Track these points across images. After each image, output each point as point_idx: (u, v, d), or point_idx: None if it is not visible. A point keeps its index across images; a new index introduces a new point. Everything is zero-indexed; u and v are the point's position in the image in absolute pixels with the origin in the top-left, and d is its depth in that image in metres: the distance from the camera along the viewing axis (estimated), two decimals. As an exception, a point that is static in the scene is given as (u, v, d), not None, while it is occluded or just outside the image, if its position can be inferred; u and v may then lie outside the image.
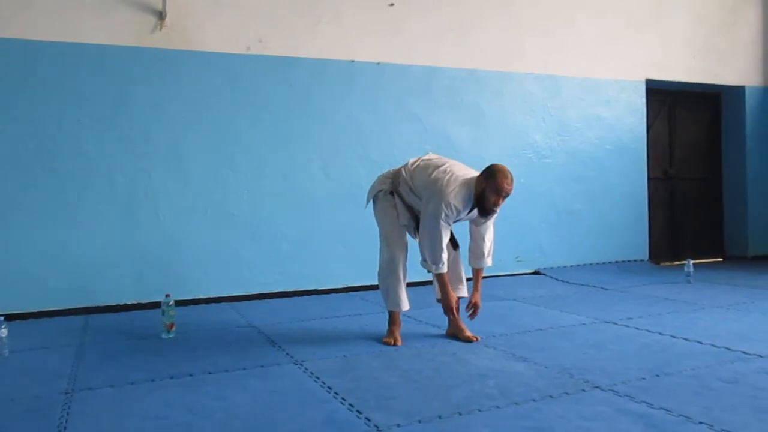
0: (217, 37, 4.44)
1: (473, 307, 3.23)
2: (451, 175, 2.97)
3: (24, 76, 3.99)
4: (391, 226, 3.17)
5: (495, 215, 3.13)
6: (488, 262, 3.25)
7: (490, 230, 3.22)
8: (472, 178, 2.98)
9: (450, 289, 3.12)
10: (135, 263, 4.23)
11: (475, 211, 3.03)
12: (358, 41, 4.84)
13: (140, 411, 2.21)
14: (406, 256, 3.17)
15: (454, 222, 3.04)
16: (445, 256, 3.01)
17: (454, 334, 3.22)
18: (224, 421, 2.09)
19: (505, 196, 2.92)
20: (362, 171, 4.77)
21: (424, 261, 3.05)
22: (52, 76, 4.04)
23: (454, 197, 2.92)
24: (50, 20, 4.04)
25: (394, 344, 3.09)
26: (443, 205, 2.90)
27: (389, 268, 3.15)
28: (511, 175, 2.91)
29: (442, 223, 2.93)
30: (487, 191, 2.91)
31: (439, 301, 3.26)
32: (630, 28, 5.89)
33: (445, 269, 3.04)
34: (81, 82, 4.11)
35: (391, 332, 3.18)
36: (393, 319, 3.21)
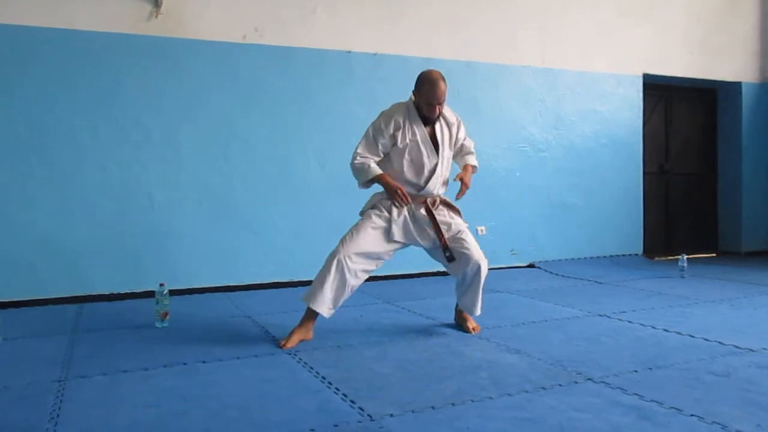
0: (212, 26, 4.41)
1: (461, 184, 3.12)
2: None
3: (15, 62, 3.95)
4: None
5: (469, 142, 3.23)
6: (475, 160, 3.25)
7: (471, 148, 3.27)
8: (409, 99, 3.06)
9: (390, 179, 2.99)
10: (129, 252, 4.21)
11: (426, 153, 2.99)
12: (354, 32, 4.81)
13: (133, 399, 2.20)
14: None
15: (406, 149, 2.98)
16: (370, 162, 3.00)
17: (459, 323, 3.24)
18: (218, 410, 2.09)
19: (439, 104, 2.95)
20: (358, 162, 4.76)
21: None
22: (45, 63, 4.01)
23: (388, 111, 3.05)
24: (43, 6, 3.99)
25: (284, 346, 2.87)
26: (378, 119, 3.05)
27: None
28: (442, 81, 2.93)
29: (369, 133, 3.03)
30: (421, 103, 2.98)
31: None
32: (627, 23, 5.89)
33: (378, 170, 2.99)
34: (74, 70, 4.08)
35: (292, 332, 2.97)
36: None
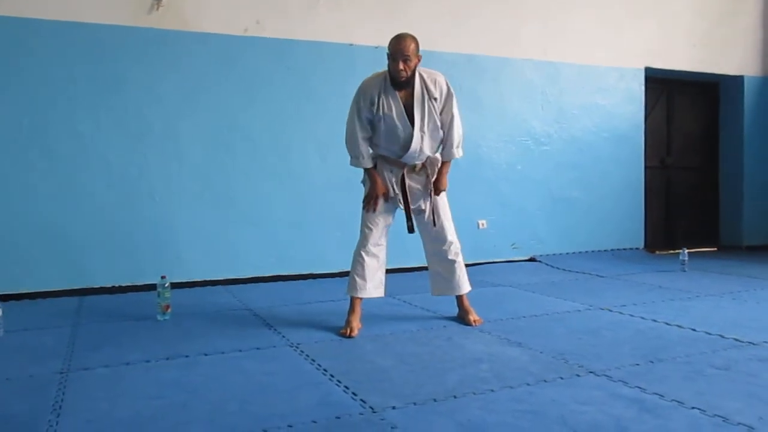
0: (214, 18, 4.39)
1: (437, 188, 3.14)
2: None
3: (18, 54, 3.94)
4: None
5: (458, 129, 3.10)
6: (458, 152, 3.16)
7: (455, 123, 3.10)
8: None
9: (379, 181, 3.08)
10: (130, 245, 4.21)
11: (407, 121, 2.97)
12: (356, 24, 4.80)
13: (135, 391, 2.21)
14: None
15: (384, 127, 2.98)
16: (364, 150, 3.05)
17: (461, 316, 3.24)
18: (219, 402, 2.09)
19: (403, 59, 2.85)
20: (359, 155, 4.76)
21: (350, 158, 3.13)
22: (47, 54, 4.00)
23: (366, 81, 3.04)
24: (45, -2, 3.99)
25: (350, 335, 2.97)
26: (357, 92, 3.03)
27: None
28: (410, 37, 2.88)
29: (355, 110, 3.02)
30: (388, 61, 2.94)
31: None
32: (630, 16, 5.86)
33: (369, 164, 3.08)
34: (76, 62, 4.06)
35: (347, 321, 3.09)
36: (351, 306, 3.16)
